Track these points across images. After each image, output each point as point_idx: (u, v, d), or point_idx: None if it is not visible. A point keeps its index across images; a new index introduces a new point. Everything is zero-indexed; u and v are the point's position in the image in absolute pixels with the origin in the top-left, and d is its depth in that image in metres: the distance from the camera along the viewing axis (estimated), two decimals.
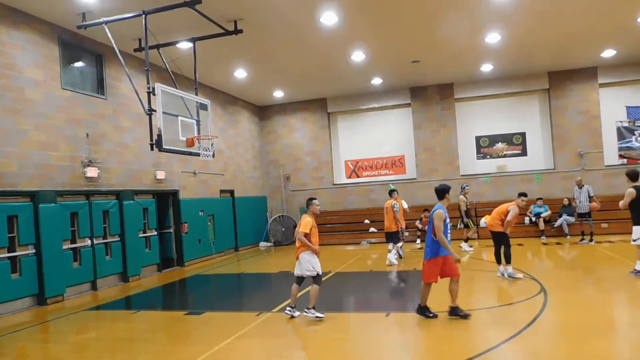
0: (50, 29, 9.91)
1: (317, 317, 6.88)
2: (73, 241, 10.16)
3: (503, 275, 9.14)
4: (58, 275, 9.52)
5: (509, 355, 5.20)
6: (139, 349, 6.32)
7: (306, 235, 7.00)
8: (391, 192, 12.22)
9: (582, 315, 6.57)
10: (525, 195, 9.30)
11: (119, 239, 11.36)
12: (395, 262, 11.67)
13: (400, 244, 12.04)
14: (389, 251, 11.85)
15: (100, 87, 11.34)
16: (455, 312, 6.51)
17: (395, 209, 11.71)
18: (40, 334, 7.51)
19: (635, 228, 8.48)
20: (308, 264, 7.04)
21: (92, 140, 10.77)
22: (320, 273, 7.10)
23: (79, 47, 10.73)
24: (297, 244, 7.19)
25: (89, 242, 10.47)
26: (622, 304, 7.48)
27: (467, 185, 14.21)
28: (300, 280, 7.25)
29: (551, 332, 5.98)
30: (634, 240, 8.44)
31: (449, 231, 6.87)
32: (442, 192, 6.79)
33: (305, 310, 6.96)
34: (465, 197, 13.77)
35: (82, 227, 10.34)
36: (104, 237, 11.00)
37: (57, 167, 9.82)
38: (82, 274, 10.30)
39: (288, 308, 7.25)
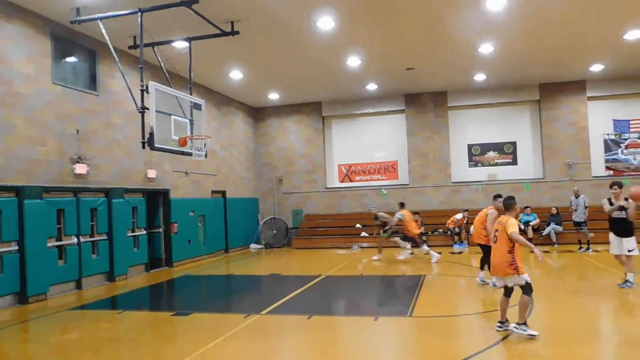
0: (43, 23, 9.79)
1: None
2: (59, 239, 9.99)
3: (490, 284, 8.99)
4: (41, 273, 9.33)
5: (499, 357, 5.21)
6: (123, 349, 6.22)
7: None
8: (401, 205, 13.69)
9: (567, 321, 6.62)
10: (500, 196, 8.90)
11: (106, 237, 11.22)
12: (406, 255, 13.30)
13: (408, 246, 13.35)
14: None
15: (92, 83, 11.22)
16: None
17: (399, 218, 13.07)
18: (20, 334, 7.35)
19: (630, 239, 8.34)
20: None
21: (82, 137, 10.64)
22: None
23: (72, 42, 10.62)
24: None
25: (75, 240, 10.32)
26: (606, 312, 7.53)
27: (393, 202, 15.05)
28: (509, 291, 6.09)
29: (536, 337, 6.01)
30: (630, 251, 8.34)
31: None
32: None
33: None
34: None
35: (69, 225, 10.18)
36: (91, 235, 10.84)
37: (44, 163, 9.67)
38: (67, 273, 10.12)
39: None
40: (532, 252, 5.79)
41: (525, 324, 5.74)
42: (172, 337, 6.85)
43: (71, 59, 10.79)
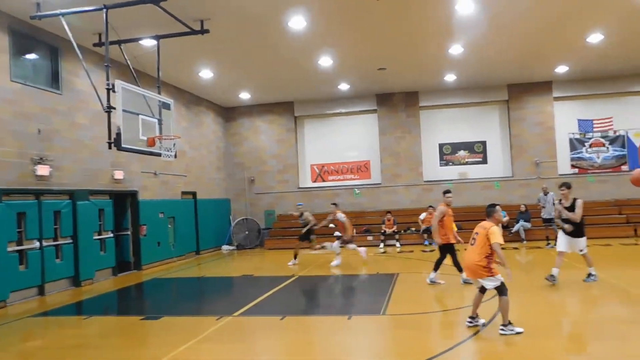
0: (0, 17, 9.36)
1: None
2: (19, 243, 9.54)
3: (467, 282, 8.93)
4: (1, 280, 8.90)
5: (466, 355, 5.29)
6: (89, 355, 6.00)
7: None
8: (335, 205, 13.03)
9: (536, 315, 6.77)
10: (449, 192, 9.16)
11: (71, 241, 10.82)
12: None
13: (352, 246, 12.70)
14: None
15: (54, 81, 10.80)
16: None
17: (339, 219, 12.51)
18: None
19: (581, 240, 8.39)
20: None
21: (44, 137, 10.22)
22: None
23: (32, 38, 10.19)
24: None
25: (37, 244, 9.89)
26: (573, 305, 7.75)
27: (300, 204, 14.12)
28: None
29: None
30: (581, 251, 8.43)
31: None
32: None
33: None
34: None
35: (30, 228, 9.75)
36: (55, 239, 10.44)
37: (3, 164, 9.22)
38: (29, 278, 9.69)
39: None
40: (504, 266, 5.81)
41: (510, 323, 5.76)
42: (141, 341, 6.67)
43: (31, 56, 10.36)
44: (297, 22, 10.54)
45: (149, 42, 10.56)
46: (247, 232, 18.68)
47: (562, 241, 8.51)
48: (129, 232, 13.27)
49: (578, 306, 7.72)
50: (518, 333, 5.71)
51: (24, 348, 6.57)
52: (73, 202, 10.90)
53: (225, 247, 18.26)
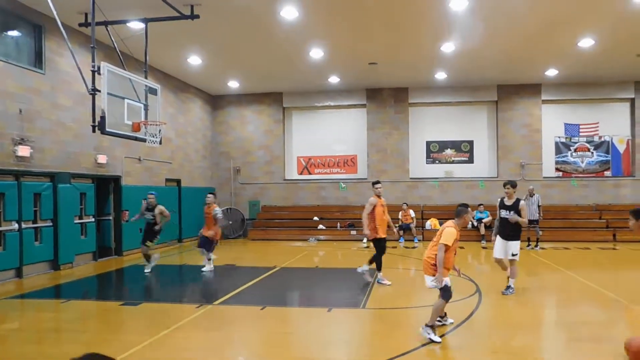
0: None
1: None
2: None
3: (363, 272, 9.00)
4: None
5: (442, 350, 5.33)
6: (66, 339, 5.93)
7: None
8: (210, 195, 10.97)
9: (512, 313, 6.89)
10: (378, 182, 8.84)
11: (51, 224, 10.64)
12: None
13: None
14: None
15: (38, 60, 10.54)
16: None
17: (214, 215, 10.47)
18: None
19: (515, 243, 7.87)
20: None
21: (25, 117, 9.99)
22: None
23: (15, 15, 9.91)
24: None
25: (16, 225, 9.71)
26: (549, 305, 7.90)
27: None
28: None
29: (482, 328, 6.23)
30: (513, 255, 7.84)
31: None
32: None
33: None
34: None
35: (9, 210, 9.56)
36: (34, 222, 10.26)
37: None
38: (6, 260, 9.51)
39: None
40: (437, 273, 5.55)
41: (432, 327, 5.50)
42: (119, 327, 6.61)
43: (14, 33, 10.10)
44: (289, 12, 10.44)
45: (137, 25, 10.36)
46: (230, 222, 18.58)
47: (498, 247, 8.01)
48: (110, 218, 13.11)
49: (551, 305, 7.86)
50: (433, 341, 5.38)
51: (0, 330, 6.46)
52: (54, 184, 10.71)
53: None
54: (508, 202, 8.04)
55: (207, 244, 10.68)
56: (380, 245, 8.92)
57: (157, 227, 10.56)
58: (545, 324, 6.92)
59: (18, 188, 9.79)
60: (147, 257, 10.73)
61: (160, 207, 10.62)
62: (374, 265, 9.10)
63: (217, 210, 10.57)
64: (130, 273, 11.14)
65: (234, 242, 17.40)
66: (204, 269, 10.59)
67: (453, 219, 5.90)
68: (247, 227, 18.50)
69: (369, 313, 7.09)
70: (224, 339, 5.92)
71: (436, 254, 5.62)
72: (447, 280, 5.67)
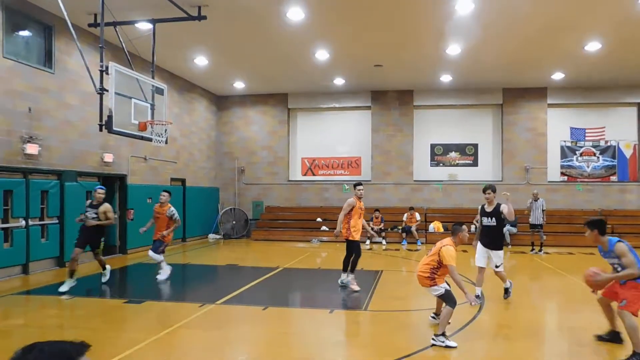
0: None
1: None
2: (5, 220, 9.50)
3: (342, 283, 8.70)
4: None
5: (444, 354, 5.35)
6: (69, 335, 5.91)
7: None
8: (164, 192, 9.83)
9: (515, 318, 6.90)
10: (360, 184, 8.68)
11: (57, 221, 10.76)
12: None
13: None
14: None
15: (47, 60, 10.67)
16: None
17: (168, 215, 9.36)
18: None
19: (499, 252, 7.60)
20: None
21: (34, 116, 10.11)
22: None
23: (26, 15, 10.05)
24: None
25: (23, 222, 9.84)
26: (551, 309, 7.90)
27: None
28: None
29: (485, 333, 6.23)
30: (497, 267, 7.57)
31: None
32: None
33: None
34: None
35: (17, 207, 9.69)
36: (41, 219, 10.38)
37: None
38: (13, 256, 9.65)
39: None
40: (464, 294, 5.51)
41: (444, 334, 5.47)
42: (123, 324, 6.68)
43: (24, 33, 10.23)
44: (296, 13, 10.51)
45: (144, 26, 10.47)
46: (234, 222, 18.68)
47: (479, 255, 7.71)
48: (116, 216, 13.19)
49: (555, 310, 7.86)
50: (449, 347, 5.37)
51: (5, 325, 6.54)
52: (61, 182, 10.83)
53: (211, 236, 18.25)
54: (488, 209, 7.70)
55: (157, 247, 9.46)
56: (353, 246, 8.60)
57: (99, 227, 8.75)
58: (547, 329, 6.92)
59: (26, 185, 9.91)
60: (103, 267, 9.20)
61: (106, 206, 8.74)
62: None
63: (174, 210, 9.39)
64: (134, 271, 11.23)
65: (237, 242, 17.48)
66: (159, 277, 9.41)
67: (454, 223, 6.05)
68: (251, 227, 18.58)
69: (371, 315, 7.12)
70: (225, 339, 5.98)
71: (431, 269, 5.73)
72: (444, 286, 5.75)
